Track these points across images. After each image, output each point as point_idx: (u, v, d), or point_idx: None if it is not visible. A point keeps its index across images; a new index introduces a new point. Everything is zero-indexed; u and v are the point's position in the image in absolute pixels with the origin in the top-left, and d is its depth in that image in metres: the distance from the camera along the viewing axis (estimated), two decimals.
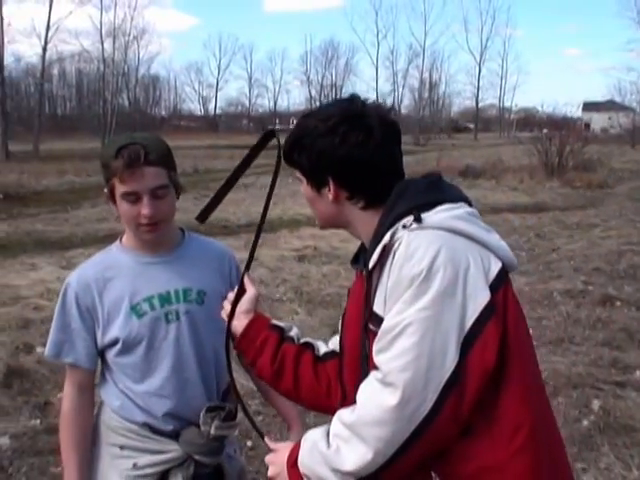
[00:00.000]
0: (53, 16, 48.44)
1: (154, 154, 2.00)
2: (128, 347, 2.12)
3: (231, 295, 1.87)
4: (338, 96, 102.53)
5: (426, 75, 79.44)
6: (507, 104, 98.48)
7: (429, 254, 1.43)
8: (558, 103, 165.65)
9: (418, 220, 1.49)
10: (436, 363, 1.41)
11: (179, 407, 2.14)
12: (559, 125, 28.16)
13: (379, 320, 1.51)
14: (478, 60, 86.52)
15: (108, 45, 53.01)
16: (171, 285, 2.16)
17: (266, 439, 1.76)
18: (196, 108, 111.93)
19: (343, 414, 1.51)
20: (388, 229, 1.53)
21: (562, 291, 8.28)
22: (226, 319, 1.85)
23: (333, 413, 1.59)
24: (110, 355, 2.15)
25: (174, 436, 2.15)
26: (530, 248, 11.27)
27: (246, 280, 1.87)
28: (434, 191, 1.59)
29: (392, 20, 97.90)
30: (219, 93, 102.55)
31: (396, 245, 1.50)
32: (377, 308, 1.53)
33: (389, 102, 79.84)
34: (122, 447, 2.15)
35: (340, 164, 1.59)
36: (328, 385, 1.79)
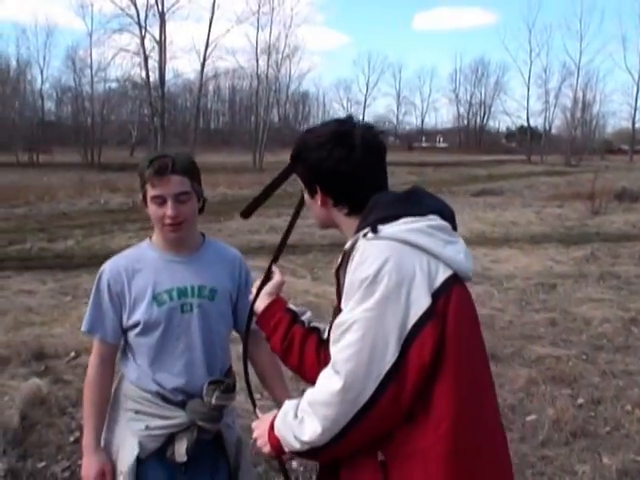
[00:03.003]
0: (212, 34, 50.50)
1: (179, 165, 2.36)
2: (147, 329, 2.45)
3: (258, 281, 2.16)
4: (487, 115, 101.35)
5: (579, 94, 76.59)
6: None
7: (377, 262, 1.67)
8: None
9: (374, 231, 1.73)
10: (376, 357, 1.64)
11: (185, 383, 2.47)
12: None
13: None
14: (636, 79, 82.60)
15: (262, 62, 54.55)
16: (188, 281, 2.49)
17: (257, 410, 2.08)
18: None
19: (308, 392, 1.76)
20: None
21: None
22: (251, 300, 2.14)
23: None
24: (131, 335, 2.49)
25: (181, 405, 2.47)
26: None
27: (274, 269, 2.15)
28: (399, 205, 1.81)
29: (546, 38, 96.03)
30: (367, 110, 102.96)
31: (354, 252, 1.76)
32: (342, 304, 1.76)
33: (540, 121, 77.72)
34: (137, 412, 2.48)
35: (325, 175, 1.87)
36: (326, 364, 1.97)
